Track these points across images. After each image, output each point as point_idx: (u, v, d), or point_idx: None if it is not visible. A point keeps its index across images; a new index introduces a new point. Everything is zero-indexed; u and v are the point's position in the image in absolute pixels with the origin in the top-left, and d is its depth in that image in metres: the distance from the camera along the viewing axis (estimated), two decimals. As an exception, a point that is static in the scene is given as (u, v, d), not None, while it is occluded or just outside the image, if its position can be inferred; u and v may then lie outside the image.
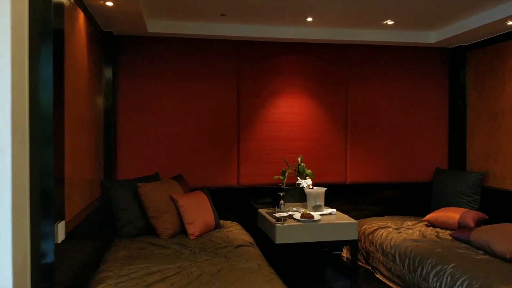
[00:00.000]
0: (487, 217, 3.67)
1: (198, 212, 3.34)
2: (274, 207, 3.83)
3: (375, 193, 4.28)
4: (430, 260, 2.85)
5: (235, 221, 3.81)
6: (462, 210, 3.66)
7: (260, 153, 4.03)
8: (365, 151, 4.24)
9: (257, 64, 4.02)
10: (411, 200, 4.34)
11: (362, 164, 4.23)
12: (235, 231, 3.43)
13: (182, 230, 3.31)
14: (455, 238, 3.18)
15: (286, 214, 3.52)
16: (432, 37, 4.13)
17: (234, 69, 3.98)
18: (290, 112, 4.10)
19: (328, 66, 4.17)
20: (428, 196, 4.27)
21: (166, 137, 3.86)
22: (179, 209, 3.28)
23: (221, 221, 3.66)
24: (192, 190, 3.66)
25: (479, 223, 3.61)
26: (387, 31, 4.02)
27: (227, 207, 3.94)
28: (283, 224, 3.26)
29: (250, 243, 3.20)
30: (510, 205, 3.63)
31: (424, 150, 4.37)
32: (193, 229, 3.24)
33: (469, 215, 3.57)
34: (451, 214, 3.63)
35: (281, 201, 3.63)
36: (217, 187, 3.94)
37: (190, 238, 3.20)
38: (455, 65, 4.30)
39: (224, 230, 3.43)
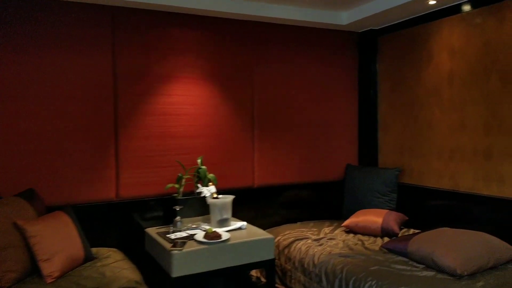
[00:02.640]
0: (407, 218, 3.35)
1: (59, 242, 2.34)
2: (168, 224, 2.96)
3: (285, 195, 3.68)
4: (369, 281, 2.31)
5: (114, 247, 2.85)
6: (383, 212, 3.27)
7: (147, 155, 3.10)
8: (274, 147, 3.60)
9: (140, 37, 3.07)
10: (324, 202, 3.86)
11: (271, 164, 3.59)
12: (114, 264, 2.48)
13: (34, 271, 2.28)
14: (389, 250, 2.71)
15: (184, 234, 2.69)
16: (344, 17, 3.67)
17: (108, 43, 2.98)
18: (186, 102, 3.24)
19: (233, 46, 3.41)
20: (341, 196, 3.83)
21: (4, 137, 2.71)
22: (29, 241, 2.25)
23: (95, 249, 2.68)
24: (50, 210, 2.60)
25: (401, 225, 3.26)
26: (297, 7, 3.44)
27: (103, 228, 2.94)
28: (181, 250, 2.43)
29: (137, 282, 2.30)
30: (429, 203, 3.35)
31: (335, 146, 3.92)
32: (51, 269, 2.24)
33: (392, 218, 3.19)
34: (372, 218, 3.20)
35: (177, 218, 2.78)
36: (87, 203, 2.91)
37: (46, 282, 2.20)
38: (366, 51, 3.92)
39: (99, 264, 2.47)
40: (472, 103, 3.01)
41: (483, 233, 2.54)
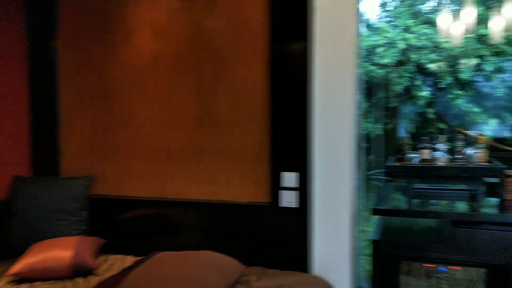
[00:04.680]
0: (104, 241, 2.54)
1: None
2: None
3: None
4: None
5: None
6: (71, 241, 2.33)
7: None
8: None
9: None
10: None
11: None
12: None
13: None
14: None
15: None
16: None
17: None
18: None
19: None
20: (5, 224, 2.58)
21: None
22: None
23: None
24: None
25: (97, 253, 2.43)
26: None
27: None
28: None
29: None
30: (131, 217, 2.66)
31: (-7, 150, 2.62)
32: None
33: (86, 248, 2.30)
34: (57, 254, 2.20)
35: None
36: None
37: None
38: (38, 16, 2.81)
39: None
40: (182, 94, 2.52)
41: (208, 253, 2.09)
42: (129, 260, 2.40)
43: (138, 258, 2.31)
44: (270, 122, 2.31)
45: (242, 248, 2.35)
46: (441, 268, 2.13)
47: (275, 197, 2.30)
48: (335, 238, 2.24)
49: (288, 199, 2.26)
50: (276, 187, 2.30)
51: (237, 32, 2.38)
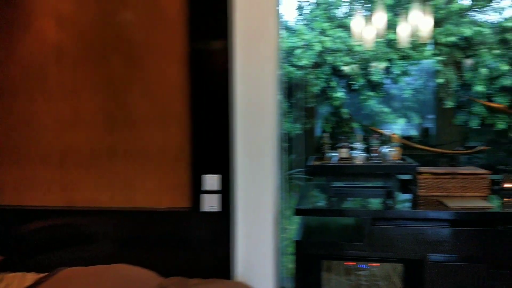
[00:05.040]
0: (2, 257, 2.23)
1: None
2: None
3: None
4: None
5: None
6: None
7: None
8: None
9: None
10: None
11: None
12: None
13: None
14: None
15: None
16: None
17: None
18: None
19: None
20: None
21: None
22: None
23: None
24: None
25: None
26: None
27: None
28: None
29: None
30: (33, 229, 2.35)
31: None
32: None
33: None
34: None
35: None
36: None
37: None
38: None
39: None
40: (90, 89, 2.28)
41: (121, 266, 1.91)
42: (30, 278, 2.11)
43: (41, 275, 2.05)
44: (191, 121, 2.18)
45: (161, 258, 2.20)
46: (361, 265, 2.17)
47: (196, 202, 2.18)
48: (259, 240, 2.19)
49: (210, 203, 2.15)
50: (197, 190, 2.17)
51: (154, 24, 2.21)
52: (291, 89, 7.09)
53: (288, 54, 7.74)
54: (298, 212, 2.23)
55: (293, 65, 7.68)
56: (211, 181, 2.15)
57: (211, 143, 2.17)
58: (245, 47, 2.13)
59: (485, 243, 2.03)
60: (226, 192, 2.15)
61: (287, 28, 8.46)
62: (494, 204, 2.18)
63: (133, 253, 2.22)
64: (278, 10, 2.20)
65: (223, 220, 2.17)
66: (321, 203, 2.49)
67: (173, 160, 2.23)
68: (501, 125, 7.64)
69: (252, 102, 2.15)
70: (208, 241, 2.20)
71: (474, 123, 7.83)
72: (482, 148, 2.64)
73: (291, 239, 2.26)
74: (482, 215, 2.06)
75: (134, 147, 2.26)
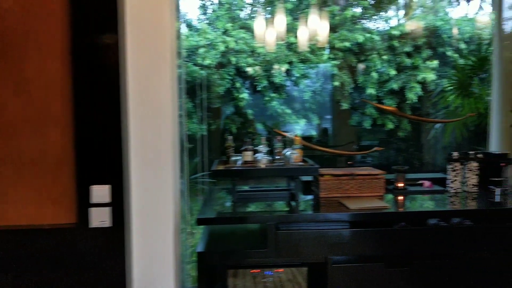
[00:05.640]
0: None
1: None
2: None
3: None
4: None
5: None
6: None
7: None
8: None
9: None
10: None
11: None
12: None
13: None
14: None
15: None
16: None
17: None
18: None
19: None
20: None
21: None
22: None
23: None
24: None
25: None
26: None
27: None
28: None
29: None
30: None
31: None
32: None
33: None
34: None
35: None
36: None
37: None
38: None
39: None
40: None
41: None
42: None
43: None
44: (75, 124, 1.91)
45: (43, 283, 1.89)
46: (267, 272, 2.11)
47: (84, 216, 1.91)
48: (158, 253, 2.00)
49: (100, 218, 1.90)
50: (84, 204, 1.91)
51: (32, 12, 1.89)
52: (195, 89, 6.91)
53: (191, 53, 7.54)
54: (200, 221, 2.09)
55: (196, 64, 7.51)
56: (101, 192, 1.90)
57: (99, 149, 1.91)
58: (139, 43, 1.93)
59: (383, 243, 2.10)
60: (118, 204, 1.92)
61: (190, 26, 8.25)
62: (389, 204, 2.27)
63: (7, 278, 1.88)
64: (176, 5, 2.03)
65: (116, 236, 1.94)
66: (226, 209, 2.38)
67: (54, 169, 1.93)
68: (390, 125, 8.34)
69: (148, 102, 1.96)
70: (99, 260, 1.95)
71: (367, 124, 8.43)
72: (378, 148, 2.75)
73: (194, 251, 2.11)
74: (379, 215, 2.13)
75: (7, 155, 1.91)
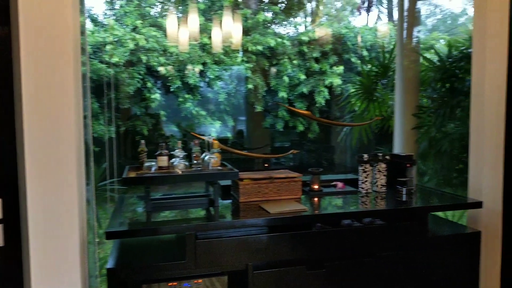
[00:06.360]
0: None
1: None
2: None
3: None
4: None
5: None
6: None
7: None
8: None
9: None
10: None
11: None
12: None
13: None
14: None
15: None
16: None
17: None
18: None
19: None
20: None
21: None
22: None
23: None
24: None
25: None
26: None
27: None
28: None
29: None
30: None
31: None
32: None
33: None
34: None
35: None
36: None
37: None
38: None
39: None
40: None
41: None
42: None
43: None
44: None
45: None
46: (185, 284, 1.99)
47: (-34, 236, 1.63)
48: (62, 274, 1.78)
49: (-12, 237, 1.63)
50: (-33, 221, 1.63)
51: None
52: (102, 88, 6.46)
53: (97, 50, 7.06)
54: (109, 235, 1.90)
55: (103, 62, 7.04)
56: (-11, 208, 1.63)
57: (-13, 157, 1.65)
58: (36, 37, 1.70)
59: (302, 245, 2.11)
60: (12, 220, 1.67)
61: (95, 21, 7.72)
62: (307, 206, 2.29)
63: None
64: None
65: (10, 256, 1.68)
66: (139, 219, 2.21)
67: None
68: (301, 128, 8.66)
69: (46, 102, 1.73)
70: (-13, 286, 1.68)
71: (280, 126, 8.65)
72: (294, 151, 2.78)
73: (105, 267, 1.92)
74: (298, 218, 2.14)
75: None
